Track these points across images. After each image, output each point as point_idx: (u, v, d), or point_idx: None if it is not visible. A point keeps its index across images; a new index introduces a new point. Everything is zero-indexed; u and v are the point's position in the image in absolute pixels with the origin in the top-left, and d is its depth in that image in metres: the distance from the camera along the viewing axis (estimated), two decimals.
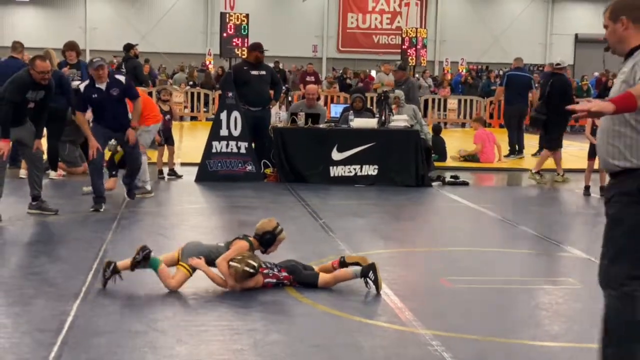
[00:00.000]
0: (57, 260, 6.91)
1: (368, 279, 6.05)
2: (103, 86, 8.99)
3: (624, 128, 3.89)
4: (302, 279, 6.08)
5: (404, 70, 13.51)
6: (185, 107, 24.18)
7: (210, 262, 5.99)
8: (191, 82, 26.41)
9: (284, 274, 6.04)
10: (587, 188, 11.69)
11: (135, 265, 5.90)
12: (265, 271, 5.98)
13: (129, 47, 16.84)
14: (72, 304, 5.51)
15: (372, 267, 6.08)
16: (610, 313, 3.94)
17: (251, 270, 5.83)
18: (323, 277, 6.10)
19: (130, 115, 9.45)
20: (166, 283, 5.91)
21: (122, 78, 9.27)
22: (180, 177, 11.93)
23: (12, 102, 8.37)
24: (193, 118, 24.66)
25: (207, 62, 34.81)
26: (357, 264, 6.26)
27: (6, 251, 7.41)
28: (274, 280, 6.00)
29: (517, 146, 16.47)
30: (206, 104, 24.75)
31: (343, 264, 6.32)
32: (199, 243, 6.23)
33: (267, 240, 6.14)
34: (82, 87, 9.00)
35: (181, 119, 24.25)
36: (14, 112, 8.41)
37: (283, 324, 5.33)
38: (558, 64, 14.12)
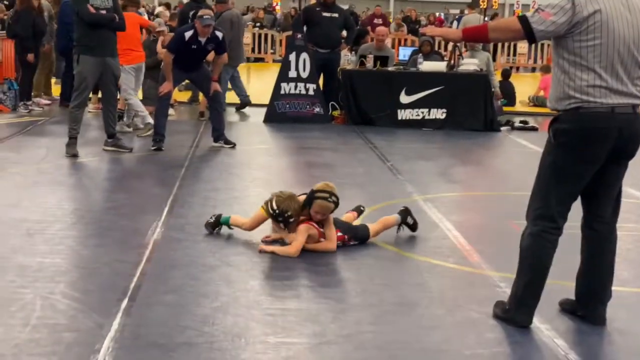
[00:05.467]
0: (133, 196, 7.12)
1: (406, 223, 6.09)
2: (203, 40, 9.22)
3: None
4: (358, 235, 5.82)
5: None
6: (253, 49, 24.25)
7: None
8: (258, 24, 26.42)
9: (339, 233, 5.72)
10: None
11: (207, 226, 5.94)
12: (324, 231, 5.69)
13: None
14: (150, 238, 5.71)
15: (408, 211, 6.11)
16: None
17: (270, 211, 5.62)
18: (373, 227, 5.92)
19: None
20: (242, 226, 5.86)
21: (219, 35, 9.41)
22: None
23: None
24: (259, 59, 24.73)
25: (274, 4, 34.74)
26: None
27: (84, 186, 7.68)
28: None
29: None
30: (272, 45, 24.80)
31: (362, 212, 6.24)
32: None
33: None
34: (187, 35, 9.13)
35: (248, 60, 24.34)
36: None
37: (354, 263, 5.44)
38: None
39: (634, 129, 4.17)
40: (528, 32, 4.10)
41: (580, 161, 4.16)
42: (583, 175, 4.19)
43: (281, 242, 5.72)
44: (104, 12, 8.63)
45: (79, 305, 4.40)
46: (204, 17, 9.15)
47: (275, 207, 5.61)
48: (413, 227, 6.11)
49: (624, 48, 4.05)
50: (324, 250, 5.59)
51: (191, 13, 11.90)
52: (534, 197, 4.33)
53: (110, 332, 4.03)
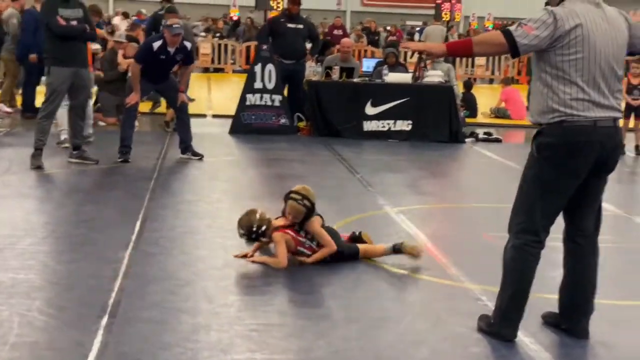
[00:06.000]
0: (103, 209, 6.98)
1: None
2: (172, 50, 9.10)
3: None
4: (344, 253, 5.66)
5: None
6: (213, 59, 24.10)
7: None
8: (218, 34, 26.30)
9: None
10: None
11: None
12: (302, 240, 5.61)
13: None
14: (124, 253, 5.60)
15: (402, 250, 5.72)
16: None
17: (244, 238, 5.58)
18: (363, 249, 5.74)
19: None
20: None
21: (188, 45, 9.32)
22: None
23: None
24: (218, 70, 24.57)
25: (232, 14, 34.43)
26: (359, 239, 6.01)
27: (52, 199, 7.53)
28: (309, 253, 5.60)
29: None
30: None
31: (356, 239, 5.93)
32: None
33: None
34: (155, 45, 8.99)
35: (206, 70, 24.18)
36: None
37: (333, 276, 5.39)
38: None
39: (614, 142, 4.21)
40: (512, 46, 4.12)
41: (564, 175, 4.17)
42: (567, 188, 4.21)
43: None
44: (74, 22, 8.49)
45: (58, 322, 4.29)
46: (173, 26, 9.01)
47: (241, 231, 5.58)
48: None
49: (604, 62, 4.10)
50: (326, 256, 5.55)
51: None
52: (517, 211, 4.34)
53: (92, 350, 3.94)
